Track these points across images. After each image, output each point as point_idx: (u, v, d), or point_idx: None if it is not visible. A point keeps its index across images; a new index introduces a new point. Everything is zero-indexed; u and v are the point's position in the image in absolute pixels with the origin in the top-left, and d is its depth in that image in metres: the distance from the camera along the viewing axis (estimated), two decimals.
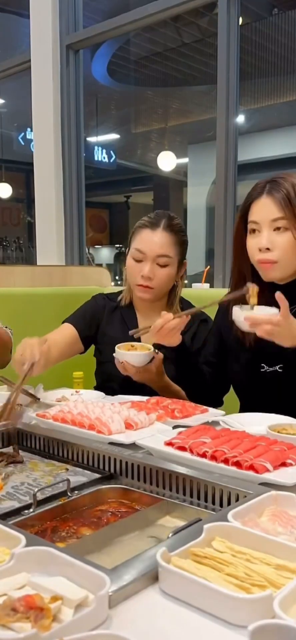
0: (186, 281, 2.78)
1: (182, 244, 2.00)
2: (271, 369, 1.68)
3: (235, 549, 0.81)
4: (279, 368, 1.67)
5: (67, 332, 2.08)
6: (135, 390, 1.86)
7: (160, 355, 1.83)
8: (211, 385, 1.86)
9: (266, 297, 1.59)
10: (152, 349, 1.82)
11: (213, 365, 1.87)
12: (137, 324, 2.06)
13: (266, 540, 0.82)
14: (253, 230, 1.63)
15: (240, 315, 1.53)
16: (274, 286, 1.62)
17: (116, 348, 1.82)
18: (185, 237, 2.03)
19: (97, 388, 2.08)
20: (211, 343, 1.90)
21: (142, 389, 1.87)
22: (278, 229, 1.59)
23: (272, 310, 1.51)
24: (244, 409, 1.77)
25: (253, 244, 1.63)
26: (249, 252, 1.66)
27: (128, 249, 2.03)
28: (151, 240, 1.94)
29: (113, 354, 1.83)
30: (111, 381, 2.02)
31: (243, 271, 1.71)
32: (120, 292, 2.15)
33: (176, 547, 0.81)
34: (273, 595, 0.68)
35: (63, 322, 2.13)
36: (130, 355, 1.80)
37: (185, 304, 2.09)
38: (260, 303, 1.57)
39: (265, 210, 1.60)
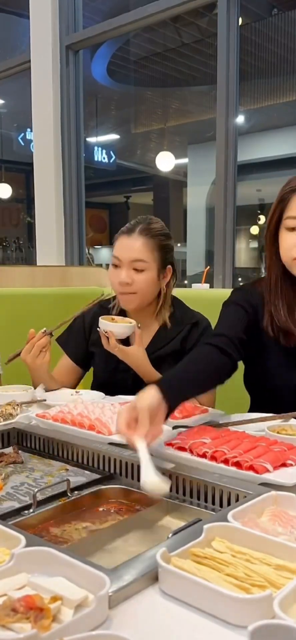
0: (185, 282, 2.77)
1: (161, 249, 1.93)
2: None
3: (235, 549, 0.81)
4: None
5: (64, 365, 2.10)
6: (128, 393, 1.82)
7: (139, 330, 1.88)
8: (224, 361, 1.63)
9: None
10: (134, 322, 1.88)
11: (242, 343, 1.62)
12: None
13: (266, 540, 0.82)
14: (293, 228, 1.53)
15: (102, 325, 1.79)
16: None
17: (100, 319, 1.86)
18: (166, 241, 1.96)
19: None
20: (237, 319, 1.67)
21: (131, 394, 1.84)
22: None
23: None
24: (258, 407, 1.70)
25: (290, 241, 1.54)
26: (285, 249, 1.56)
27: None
28: (126, 246, 1.91)
29: (98, 326, 1.88)
30: (107, 387, 1.96)
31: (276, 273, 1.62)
32: (115, 297, 2.09)
33: (176, 547, 0.81)
34: (273, 596, 0.68)
35: (57, 340, 2.11)
36: (113, 326, 1.84)
37: (179, 307, 2.03)
38: None
39: None
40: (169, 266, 1.97)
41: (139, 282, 1.90)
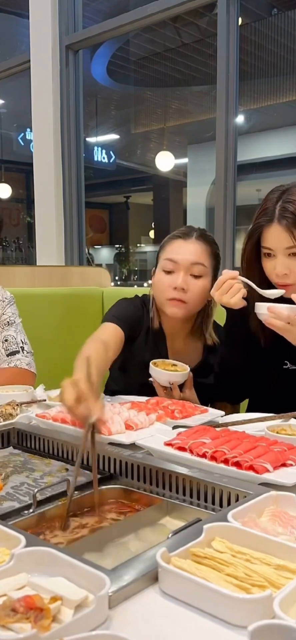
0: None
1: (215, 256, 1.88)
2: (294, 366, 1.68)
3: (235, 549, 0.81)
4: None
5: (117, 335, 1.81)
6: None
7: (191, 374, 1.78)
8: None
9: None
10: (188, 367, 1.77)
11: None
12: (166, 350, 1.92)
13: (266, 540, 0.82)
14: (269, 255, 1.61)
15: (263, 307, 1.53)
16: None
17: (156, 370, 1.74)
18: (218, 250, 1.91)
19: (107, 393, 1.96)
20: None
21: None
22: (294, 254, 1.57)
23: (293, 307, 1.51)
24: (255, 406, 1.74)
25: (269, 267, 1.61)
26: (266, 272, 1.64)
27: (155, 268, 1.89)
28: (184, 249, 1.81)
29: (151, 374, 1.75)
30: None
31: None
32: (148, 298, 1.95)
33: (176, 547, 0.80)
34: (273, 596, 0.68)
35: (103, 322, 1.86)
36: (176, 376, 1.73)
37: (215, 328, 1.93)
38: None
39: (277, 238, 1.57)
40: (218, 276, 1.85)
41: (194, 290, 1.80)
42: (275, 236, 1.57)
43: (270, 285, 1.65)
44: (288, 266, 1.56)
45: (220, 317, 1.87)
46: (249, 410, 1.77)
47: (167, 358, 1.87)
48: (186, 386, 1.78)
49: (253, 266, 1.66)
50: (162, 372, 1.73)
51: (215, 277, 1.83)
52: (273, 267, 1.59)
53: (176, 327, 1.90)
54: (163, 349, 1.92)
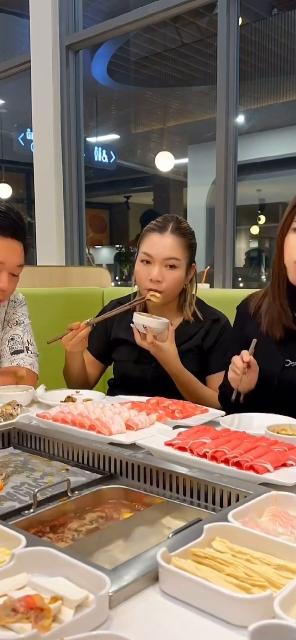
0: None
1: (190, 247, 2.00)
2: (295, 363, 1.68)
3: (235, 549, 0.81)
4: None
5: (87, 359, 2.13)
6: (147, 387, 1.93)
7: (172, 327, 1.91)
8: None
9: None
10: (167, 320, 1.90)
11: None
12: None
13: (266, 540, 0.82)
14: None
15: (139, 320, 1.79)
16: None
17: (135, 314, 1.89)
18: (194, 239, 2.03)
19: (112, 384, 2.15)
20: (235, 349, 1.80)
21: (150, 387, 1.92)
22: None
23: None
24: (257, 405, 1.73)
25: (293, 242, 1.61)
26: (289, 249, 1.63)
27: (137, 254, 2.03)
28: (159, 244, 1.95)
29: (132, 321, 1.90)
30: (126, 380, 2.07)
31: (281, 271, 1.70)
32: (134, 294, 2.11)
33: (176, 547, 0.80)
34: (274, 596, 0.68)
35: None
36: (150, 321, 1.86)
37: (200, 305, 2.08)
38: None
39: None
40: (194, 264, 2.04)
41: (170, 280, 1.95)
42: None
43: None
44: None
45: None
46: (251, 409, 1.76)
47: None
48: (166, 337, 1.90)
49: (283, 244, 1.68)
50: (138, 316, 1.89)
51: (189, 265, 2.01)
52: None
53: (158, 308, 2.03)
54: None
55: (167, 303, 2.01)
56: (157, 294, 1.96)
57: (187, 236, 1.99)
